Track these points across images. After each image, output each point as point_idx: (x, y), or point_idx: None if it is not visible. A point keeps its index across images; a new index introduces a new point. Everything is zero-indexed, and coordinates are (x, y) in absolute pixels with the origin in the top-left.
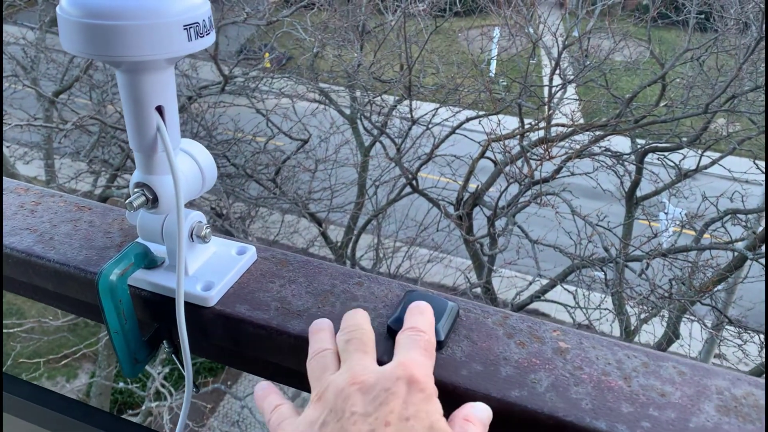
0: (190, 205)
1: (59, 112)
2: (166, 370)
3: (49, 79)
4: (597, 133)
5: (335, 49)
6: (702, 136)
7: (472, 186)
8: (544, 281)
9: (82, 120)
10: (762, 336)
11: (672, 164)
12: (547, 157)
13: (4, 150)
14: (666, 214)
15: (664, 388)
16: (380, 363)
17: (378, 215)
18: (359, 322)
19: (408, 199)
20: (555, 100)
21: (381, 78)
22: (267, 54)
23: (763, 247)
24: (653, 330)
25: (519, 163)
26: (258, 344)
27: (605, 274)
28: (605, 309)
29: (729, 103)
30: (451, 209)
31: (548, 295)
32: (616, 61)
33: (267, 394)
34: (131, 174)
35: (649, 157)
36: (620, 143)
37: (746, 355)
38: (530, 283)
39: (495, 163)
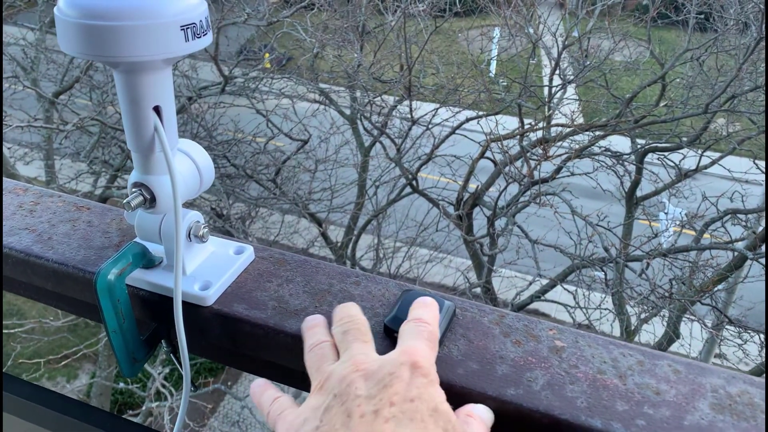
0: (189, 205)
1: (59, 113)
2: (167, 370)
3: (49, 79)
4: (597, 133)
5: (335, 49)
6: (702, 136)
7: (472, 186)
8: (544, 281)
9: (83, 121)
10: (762, 336)
11: (672, 164)
12: (546, 157)
13: (5, 151)
14: (666, 214)
15: (659, 386)
16: None
17: (378, 215)
18: (353, 312)
19: (408, 200)
20: (555, 101)
21: (381, 78)
22: (267, 54)
23: (763, 247)
24: (653, 330)
25: (519, 163)
26: (255, 343)
27: (605, 274)
28: (605, 309)
29: (729, 103)
30: (450, 209)
31: (548, 295)
32: (616, 61)
33: (264, 389)
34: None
35: (649, 157)
36: (620, 143)
37: (746, 354)
38: (530, 283)
39: (495, 163)
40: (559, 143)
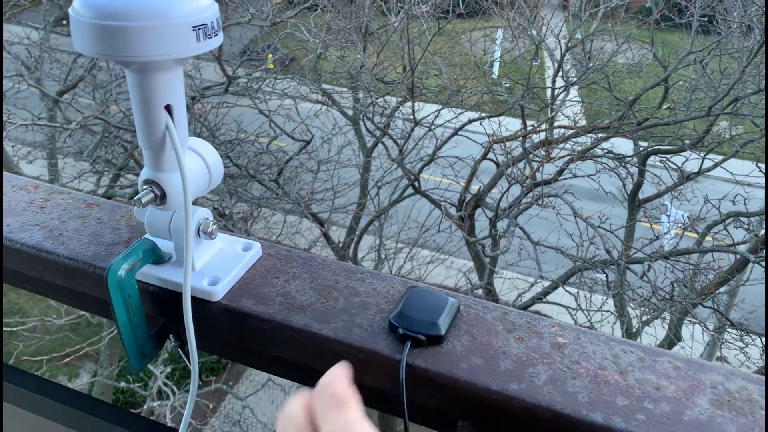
0: (196, 202)
1: (63, 112)
2: (168, 369)
3: (52, 78)
4: (599, 135)
5: (338, 50)
6: (705, 138)
7: (474, 187)
8: (546, 283)
9: (87, 120)
10: (764, 339)
11: (674, 167)
12: (548, 159)
13: (8, 149)
14: (668, 216)
15: (660, 382)
16: (382, 356)
17: (380, 216)
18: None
19: (410, 201)
20: (558, 102)
21: (384, 79)
22: (270, 55)
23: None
24: (655, 332)
25: (521, 164)
26: (263, 338)
27: (607, 276)
28: (607, 311)
29: (732, 106)
30: (453, 210)
31: (550, 297)
32: (619, 64)
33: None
34: (134, 174)
35: (651, 160)
36: (623, 145)
37: (748, 358)
38: (532, 285)
39: (497, 164)
40: (561, 145)
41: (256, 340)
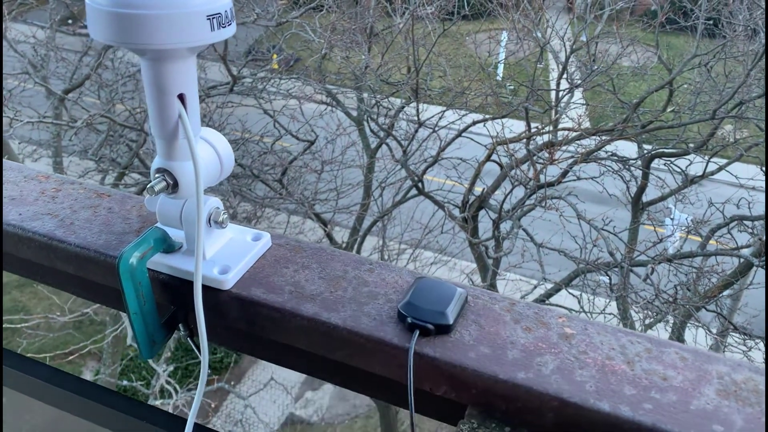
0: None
1: (68, 111)
2: (171, 368)
3: (58, 77)
4: (603, 137)
5: (343, 51)
6: (709, 142)
7: (478, 189)
8: (549, 285)
9: (92, 118)
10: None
11: (678, 170)
12: (552, 161)
13: (14, 147)
14: (672, 219)
15: (667, 372)
16: (391, 344)
17: (383, 217)
18: None
19: (413, 202)
20: (562, 105)
21: (388, 80)
22: (275, 55)
23: None
24: (658, 335)
25: (525, 166)
26: (272, 326)
27: (610, 279)
28: (610, 314)
29: (736, 110)
30: (456, 212)
31: (553, 299)
32: (624, 66)
33: None
34: (139, 173)
35: (655, 163)
36: (627, 148)
37: (751, 362)
38: (535, 287)
39: (501, 166)
40: (565, 147)
41: (266, 328)
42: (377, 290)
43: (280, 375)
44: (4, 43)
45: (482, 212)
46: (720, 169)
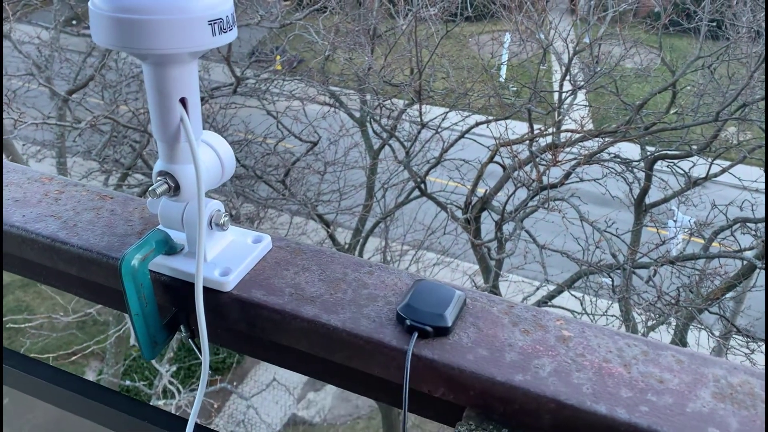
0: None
1: (72, 111)
2: (173, 368)
3: (62, 78)
4: (606, 139)
5: (346, 52)
6: (712, 144)
7: (481, 190)
8: (552, 286)
9: (96, 119)
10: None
11: (681, 172)
12: (555, 163)
13: (18, 148)
14: (675, 221)
15: (663, 375)
16: (390, 346)
17: (386, 218)
18: None
19: (416, 203)
20: (565, 106)
21: (391, 82)
22: (278, 56)
23: None
24: (660, 337)
25: (528, 168)
26: (272, 327)
27: (612, 281)
28: (612, 315)
29: (740, 112)
30: (458, 213)
31: (555, 301)
32: (627, 68)
33: None
34: (142, 173)
35: (658, 165)
36: (630, 150)
37: (753, 364)
38: (537, 288)
39: (504, 167)
40: (568, 149)
41: (266, 330)
42: (376, 292)
43: (283, 376)
44: (9, 44)
45: (485, 214)
46: (723, 171)
